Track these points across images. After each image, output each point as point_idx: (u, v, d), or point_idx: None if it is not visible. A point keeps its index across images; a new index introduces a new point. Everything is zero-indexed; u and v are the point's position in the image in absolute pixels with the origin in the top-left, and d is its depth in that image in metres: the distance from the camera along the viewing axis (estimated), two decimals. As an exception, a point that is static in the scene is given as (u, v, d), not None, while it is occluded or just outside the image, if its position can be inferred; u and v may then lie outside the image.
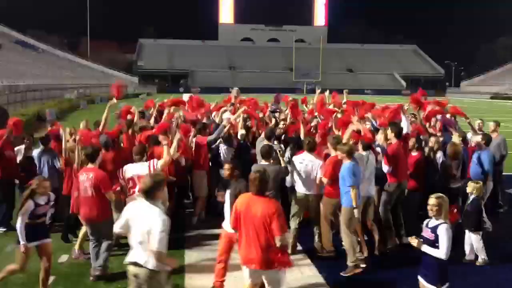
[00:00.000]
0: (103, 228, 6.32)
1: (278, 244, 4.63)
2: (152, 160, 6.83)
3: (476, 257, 7.00)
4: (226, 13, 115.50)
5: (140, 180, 6.39)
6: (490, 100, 65.57)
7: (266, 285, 4.90)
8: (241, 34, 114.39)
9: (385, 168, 7.43)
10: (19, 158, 8.63)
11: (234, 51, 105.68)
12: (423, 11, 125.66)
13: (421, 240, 4.93)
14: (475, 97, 71.14)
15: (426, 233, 4.94)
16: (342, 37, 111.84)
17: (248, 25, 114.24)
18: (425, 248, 4.86)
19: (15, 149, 8.70)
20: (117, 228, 4.64)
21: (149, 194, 4.47)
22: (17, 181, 8.61)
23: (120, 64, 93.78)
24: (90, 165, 6.47)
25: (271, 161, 6.89)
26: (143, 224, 4.33)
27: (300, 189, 7.28)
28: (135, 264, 4.38)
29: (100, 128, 8.37)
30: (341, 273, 6.55)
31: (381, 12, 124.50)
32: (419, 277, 4.99)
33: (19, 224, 5.64)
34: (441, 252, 4.77)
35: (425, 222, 5.06)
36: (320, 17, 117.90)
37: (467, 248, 7.06)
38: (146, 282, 4.34)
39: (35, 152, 8.56)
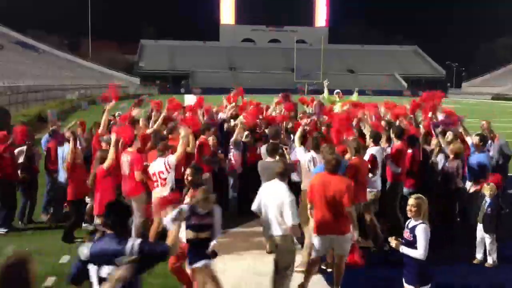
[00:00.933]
0: (134, 204, 7.05)
1: (348, 212, 5.61)
2: (166, 157, 7.09)
3: (485, 258, 6.99)
4: (227, 14, 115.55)
5: (160, 174, 6.93)
6: (491, 101, 65.50)
7: (334, 251, 5.87)
8: (242, 35, 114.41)
9: (395, 168, 7.54)
10: (22, 158, 8.63)
11: (235, 51, 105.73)
12: (423, 11, 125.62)
13: (402, 241, 4.91)
14: (476, 98, 71.10)
15: (406, 234, 4.94)
16: (342, 38, 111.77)
17: (249, 26, 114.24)
18: (403, 249, 4.84)
19: (17, 150, 8.68)
20: (254, 207, 5.63)
21: (283, 175, 5.55)
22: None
23: (121, 65, 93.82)
24: (129, 149, 7.40)
25: (277, 158, 7.06)
26: (276, 201, 5.36)
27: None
28: (273, 235, 5.42)
29: (100, 130, 8.41)
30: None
31: (382, 12, 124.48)
32: (403, 279, 5.00)
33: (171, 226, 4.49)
34: (418, 252, 4.75)
35: (406, 224, 5.07)
36: (321, 17, 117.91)
37: (480, 250, 7.02)
38: (281, 245, 5.41)
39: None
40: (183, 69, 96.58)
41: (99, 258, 3.58)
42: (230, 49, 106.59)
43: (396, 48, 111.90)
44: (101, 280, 3.56)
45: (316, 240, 5.79)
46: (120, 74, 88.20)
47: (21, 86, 32.04)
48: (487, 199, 6.89)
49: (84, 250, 3.66)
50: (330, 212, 5.63)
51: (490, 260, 6.89)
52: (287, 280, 5.52)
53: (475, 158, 8.15)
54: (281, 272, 5.48)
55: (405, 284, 4.93)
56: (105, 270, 3.54)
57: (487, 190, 6.90)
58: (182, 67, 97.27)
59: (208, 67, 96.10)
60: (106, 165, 7.11)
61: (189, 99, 15.21)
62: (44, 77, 46.17)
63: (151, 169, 7.15)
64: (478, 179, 7.90)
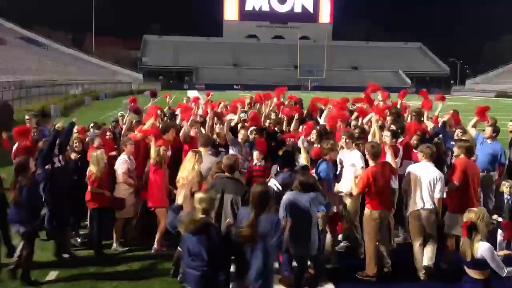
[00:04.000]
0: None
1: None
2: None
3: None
4: (230, 10, 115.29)
5: None
6: (495, 99, 65.21)
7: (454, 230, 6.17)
8: (246, 31, 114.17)
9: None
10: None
11: (239, 48, 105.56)
12: (429, 9, 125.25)
13: None
14: (480, 95, 70.77)
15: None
16: (347, 35, 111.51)
17: (252, 22, 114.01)
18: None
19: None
20: (405, 186, 6.31)
21: (433, 157, 6.25)
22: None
23: (125, 60, 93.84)
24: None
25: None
26: (429, 178, 6.07)
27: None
28: (422, 208, 6.12)
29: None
30: None
31: (386, 9, 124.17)
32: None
33: None
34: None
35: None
36: (325, 14, 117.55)
37: (502, 248, 6.82)
38: (426, 219, 6.14)
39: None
40: (187, 65, 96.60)
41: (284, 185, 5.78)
42: (234, 45, 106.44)
43: (401, 45, 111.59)
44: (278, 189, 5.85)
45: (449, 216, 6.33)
46: (125, 70, 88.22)
47: (25, 81, 32.12)
48: (508, 196, 6.75)
49: (274, 182, 5.84)
50: (471, 193, 6.19)
51: None
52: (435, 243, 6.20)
53: (489, 147, 7.94)
54: (432, 239, 6.17)
55: None
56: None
57: (507, 187, 6.74)
58: (186, 63, 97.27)
59: (212, 63, 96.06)
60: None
61: (193, 95, 15.12)
62: (49, 73, 46.27)
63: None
64: (487, 169, 7.74)
